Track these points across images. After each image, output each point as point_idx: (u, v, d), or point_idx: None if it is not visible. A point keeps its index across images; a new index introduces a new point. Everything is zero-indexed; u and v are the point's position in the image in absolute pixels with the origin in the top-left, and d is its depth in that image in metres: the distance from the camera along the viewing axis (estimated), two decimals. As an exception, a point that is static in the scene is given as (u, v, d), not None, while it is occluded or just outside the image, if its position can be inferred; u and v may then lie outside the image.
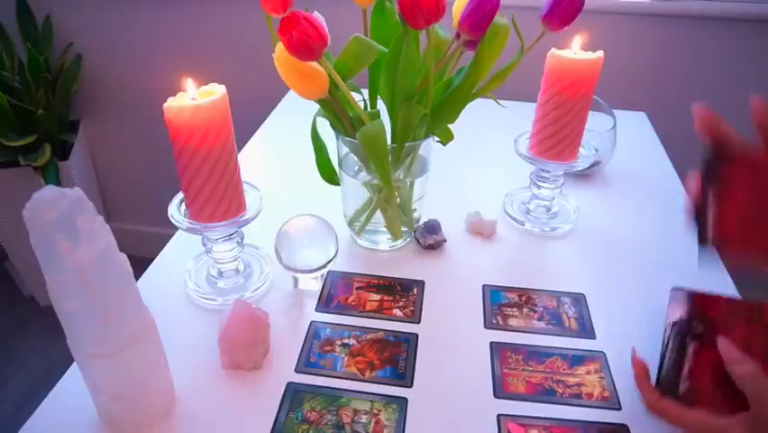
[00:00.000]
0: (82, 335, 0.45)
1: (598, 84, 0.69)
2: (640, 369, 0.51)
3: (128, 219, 1.75)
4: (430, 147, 0.70)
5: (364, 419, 0.53)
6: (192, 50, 1.41)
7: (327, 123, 0.66)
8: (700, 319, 0.49)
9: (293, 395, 0.55)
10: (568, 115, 0.69)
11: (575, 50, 0.69)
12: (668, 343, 0.51)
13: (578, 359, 0.60)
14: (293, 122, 0.84)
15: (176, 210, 0.61)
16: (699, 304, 0.50)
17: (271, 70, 0.57)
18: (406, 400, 0.55)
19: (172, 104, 0.54)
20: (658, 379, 0.51)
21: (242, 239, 0.65)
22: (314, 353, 0.59)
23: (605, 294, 0.68)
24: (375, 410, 0.54)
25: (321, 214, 0.67)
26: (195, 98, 0.55)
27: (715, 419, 0.45)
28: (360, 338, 0.61)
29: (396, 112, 0.64)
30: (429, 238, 0.73)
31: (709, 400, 0.47)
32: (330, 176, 0.73)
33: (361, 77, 0.62)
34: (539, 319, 0.65)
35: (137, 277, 0.50)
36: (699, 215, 0.49)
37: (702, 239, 0.49)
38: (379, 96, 0.67)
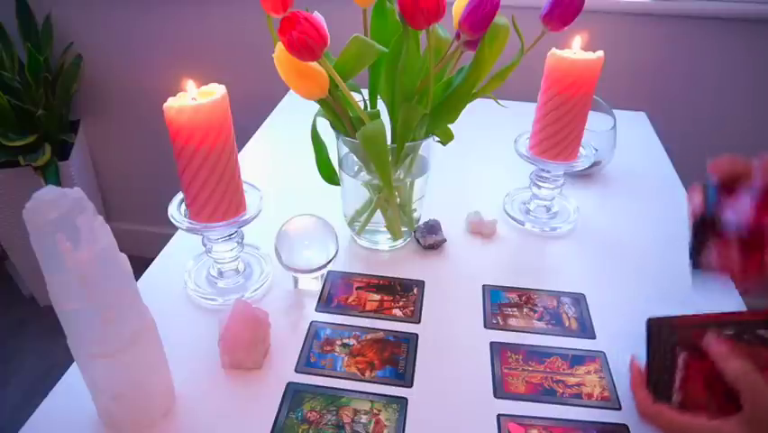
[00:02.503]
0: (82, 335, 0.45)
1: (598, 84, 0.69)
2: (636, 375, 0.51)
3: (128, 219, 1.75)
4: (430, 147, 0.70)
5: (364, 419, 0.53)
6: (192, 50, 1.41)
7: (327, 123, 0.66)
8: (686, 331, 0.49)
9: (293, 395, 0.55)
10: (568, 115, 0.69)
11: (575, 50, 0.69)
12: (654, 352, 0.51)
13: (578, 359, 0.60)
14: (293, 122, 0.84)
15: (176, 210, 0.61)
16: (683, 324, 0.50)
17: (271, 70, 0.57)
18: (406, 400, 0.55)
19: (172, 104, 0.54)
20: (649, 382, 0.51)
21: (242, 239, 0.65)
22: (314, 353, 0.59)
23: (605, 294, 0.68)
24: (375, 410, 0.54)
25: (321, 214, 0.67)
26: (195, 98, 0.55)
27: (707, 422, 0.45)
28: (360, 338, 0.61)
29: (396, 112, 0.65)
30: (429, 238, 0.73)
31: (703, 408, 0.47)
32: (330, 176, 0.73)
33: (361, 77, 0.62)
34: (539, 319, 0.65)
35: (137, 277, 0.50)
36: (696, 244, 0.49)
37: (696, 264, 0.50)
38: (379, 96, 0.67)
